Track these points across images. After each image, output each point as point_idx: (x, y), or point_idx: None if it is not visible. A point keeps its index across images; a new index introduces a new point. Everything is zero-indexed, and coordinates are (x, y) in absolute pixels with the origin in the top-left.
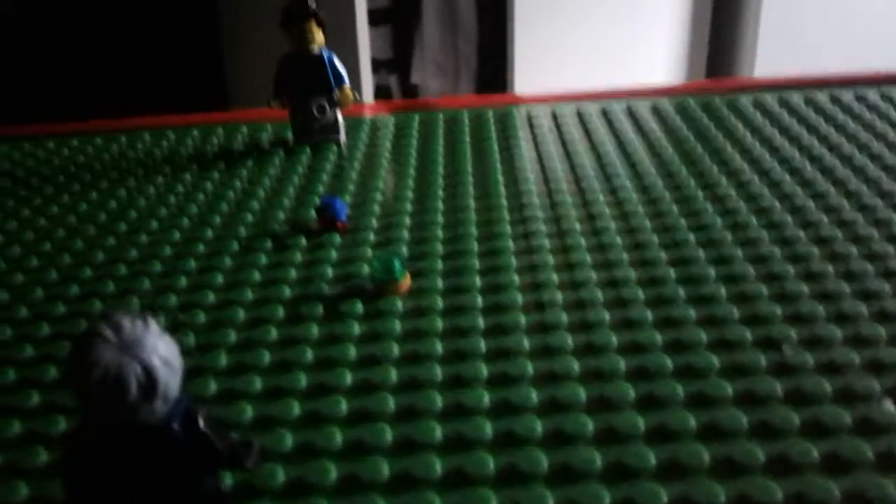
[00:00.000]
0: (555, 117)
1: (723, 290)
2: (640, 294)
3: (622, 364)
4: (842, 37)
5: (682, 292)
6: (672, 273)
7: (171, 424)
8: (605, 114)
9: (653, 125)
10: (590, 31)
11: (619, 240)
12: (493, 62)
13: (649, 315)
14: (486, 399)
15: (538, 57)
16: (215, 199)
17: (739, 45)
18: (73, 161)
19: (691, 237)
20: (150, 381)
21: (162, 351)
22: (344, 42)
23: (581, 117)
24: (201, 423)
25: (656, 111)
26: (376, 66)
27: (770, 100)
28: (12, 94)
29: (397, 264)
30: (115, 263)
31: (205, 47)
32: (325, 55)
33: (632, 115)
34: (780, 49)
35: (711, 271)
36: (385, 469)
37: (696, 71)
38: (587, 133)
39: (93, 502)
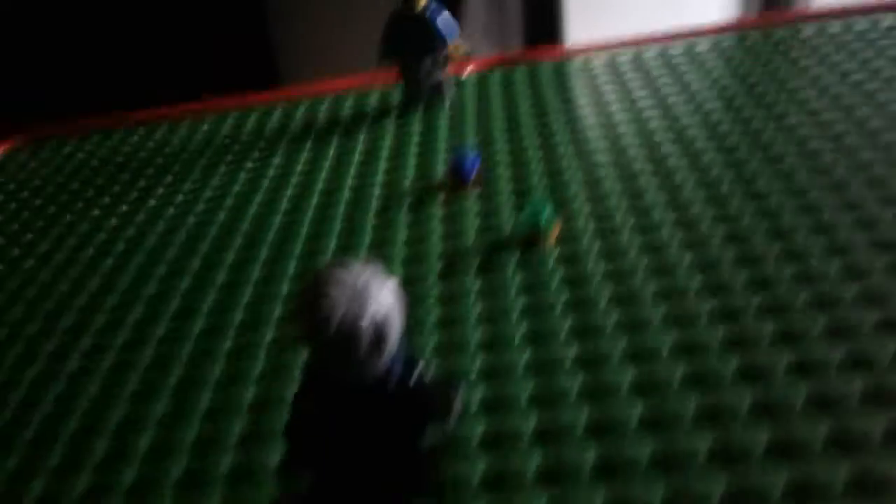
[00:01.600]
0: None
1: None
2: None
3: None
4: None
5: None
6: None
7: (392, 378)
8: (664, 57)
9: (716, 64)
10: None
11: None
12: (541, 18)
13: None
14: (668, 340)
15: (589, 8)
16: (344, 165)
17: None
18: (214, 140)
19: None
20: (379, 332)
21: (387, 301)
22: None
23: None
24: (419, 375)
25: (718, 48)
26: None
27: (836, 28)
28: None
29: (546, 211)
30: (261, 230)
31: (251, 25)
32: (430, 14)
33: (692, 56)
34: None
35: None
36: (581, 416)
37: (752, 5)
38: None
39: (315, 459)
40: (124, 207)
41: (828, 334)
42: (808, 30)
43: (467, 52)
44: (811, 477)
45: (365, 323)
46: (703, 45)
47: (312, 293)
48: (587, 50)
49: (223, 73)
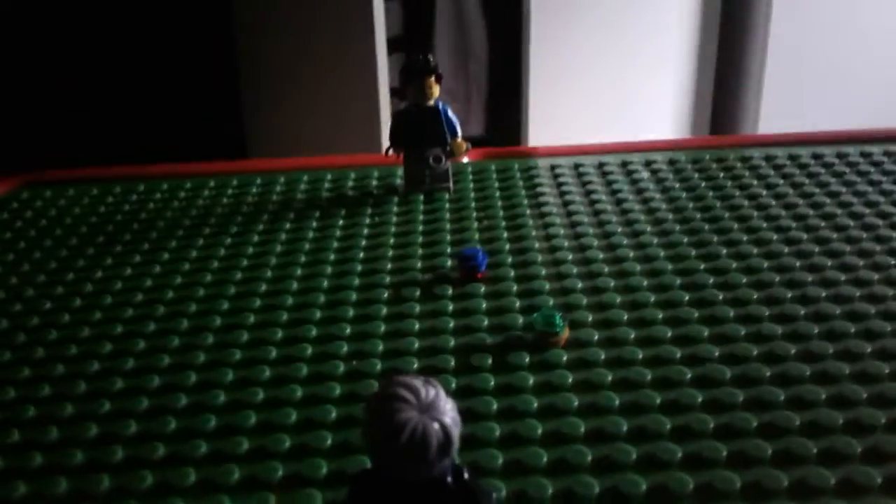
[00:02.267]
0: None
1: (731, 313)
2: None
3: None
4: (844, 96)
5: (706, 332)
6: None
7: (447, 478)
8: (625, 165)
9: (670, 177)
10: (600, 70)
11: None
12: (504, 88)
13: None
14: (678, 454)
15: (551, 83)
16: (348, 248)
17: (742, 103)
18: (171, 207)
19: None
20: (447, 440)
21: (451, 411)
22: (364, 69)
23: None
24: (466, 476)
25: (672, 163)
26: (392, 92)
27: (780, 154)
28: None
29: (558, 318)
30: (275, 310)
31: (223, 98)
32: (441, 107)
33: (649, 167)
34: (782, 108)
35: (728, 309)
36: None
37: (699, 129)
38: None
39: None
40: (101, 269)
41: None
42: (753, 154)
43: (468, 148)
44: None
45: (435, 432)
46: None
47: (388, 403)
48: (575, 151)
49: (194, 144)
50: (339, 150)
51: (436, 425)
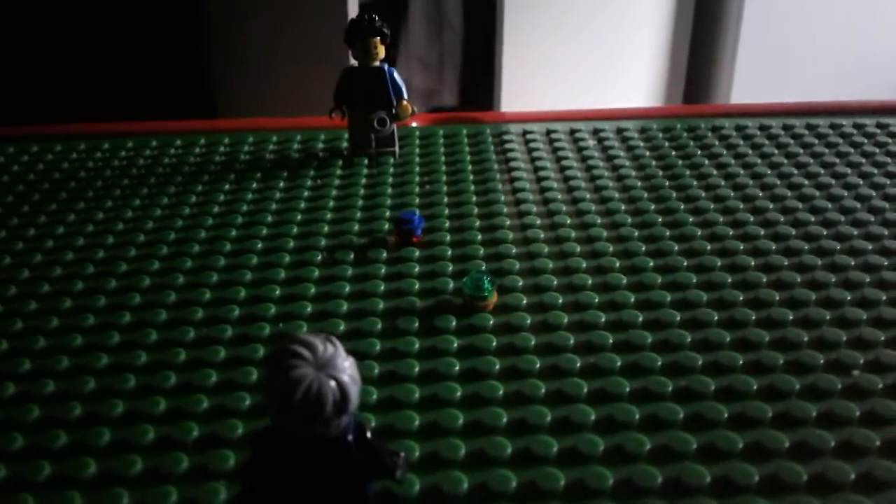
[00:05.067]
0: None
1: (704, 297)
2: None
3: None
4: (817, 68)
5: (668, 297)
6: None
7: (347, 437)
8: (597, 132)
9: (641, 145)
10: (574, 41)
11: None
12: (478, 59)
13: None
14: (592, 416)
15: (525, 54)
16: (286, 210)
17: (716, 74)
18: (130, 163)
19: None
20: (343, 398)
21: (349, 369)
22: (336, 32)
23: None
24: (369, 435)
25: (644, 132)
26: None
27: (751, 124)
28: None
29: (487, 282)
30: (205, 271)
31: (192, 55)
32: (387, 69)
33: (621, 135)
34: (756, 79)
35: (696, 275)
36: (512, 481)
37: (673, 98)
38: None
39: (266, 498)
40: (63, 225)
41: (723, 394)
42: (724, 123)
43: (414, 111)
44: None
45: (331, 389)
46: (630, 125)
47: (284, 360)
48: (525, 118)
49: (160, 100)
50: (309, 112)
51: (332, 382)
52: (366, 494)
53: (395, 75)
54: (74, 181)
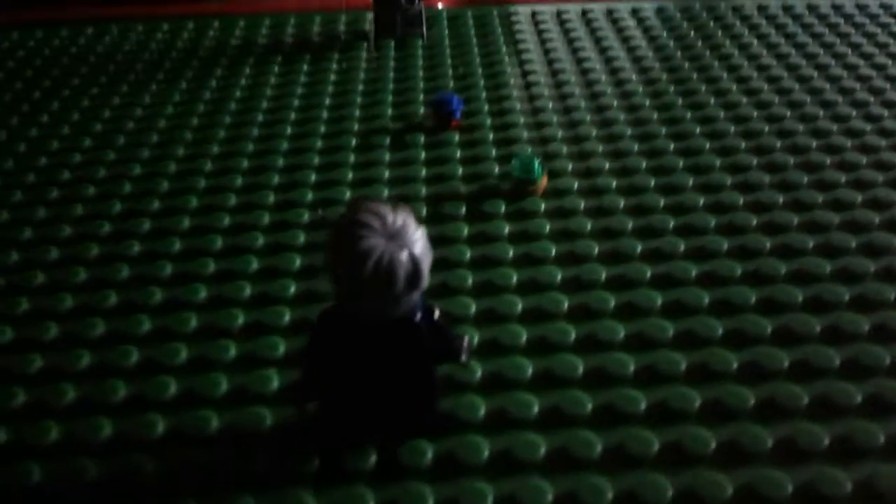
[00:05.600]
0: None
1: (728, 180)
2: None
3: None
4: None
5: (691, 181)
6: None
7: (415, 317)
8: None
9: (636, 34)
10: None
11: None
12: None
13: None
14: (658, 301)
15: None
16: (313, 94)
17: None
18: (123, 50)
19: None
20: (415, 271)
21: (421, 240)
22: None
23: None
24: (437, 315)
25: (640, 18)
26: None
27: (773, 3)
28: None
29: (537, 165)
30: (236, 157)
31: None
32: None
33: (636, 16)
34: None
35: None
36: (579, 366)
37: None
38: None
39: (327, 380)
40: (79, 110)
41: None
42: (745, 2)
43: None
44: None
45: (404, 260)
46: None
47: (353, 230)
48: None
49: None
50: None
51: (404, 254)
52: (433, 377)
53: None
54: (58, 68)
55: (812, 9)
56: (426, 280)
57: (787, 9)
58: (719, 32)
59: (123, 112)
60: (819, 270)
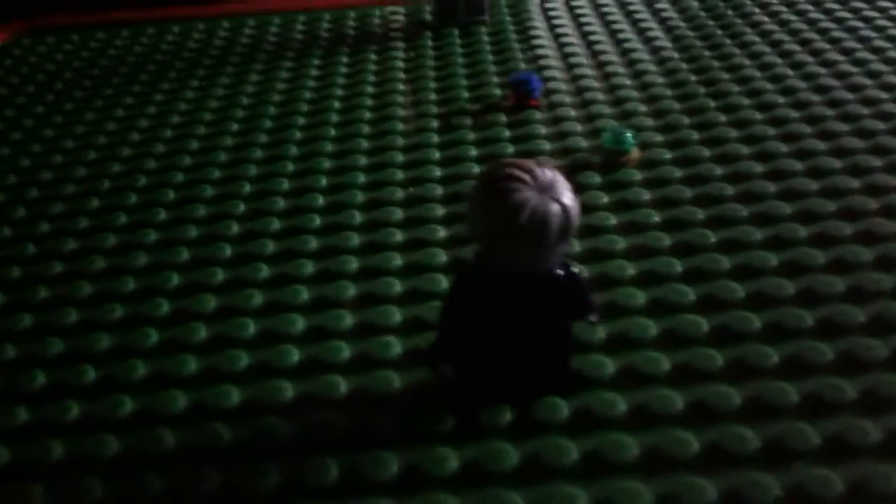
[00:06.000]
0: None
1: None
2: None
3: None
4: None
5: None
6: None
7: (557, 271)
8: None
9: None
10: None
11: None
12: None
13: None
14: (773, 261)
15: None
16: (385, 81)
17: None
18: (160, 50)
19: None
20: (567, 221)
21: (569, 193)
22: None
23: None
24: (576, 270)
25: None
26: None
27: None
28: None
29: (629, 136)
30: (318, 141)
31: None
32: None
33: None
34: None
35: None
36: (703, 325)
37: None
38: None
39: (464, 339)
40: (123, 108)
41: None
42: None
43: None
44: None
45: (556, 211)
46: None
47: (504, 184)
48: None
49: None
50: None
51: (556, 205)
52: (569, 332)
53: None
54: (97, 69)
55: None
56: (574, 232)
57: None
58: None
59: (169, 107)
60: None
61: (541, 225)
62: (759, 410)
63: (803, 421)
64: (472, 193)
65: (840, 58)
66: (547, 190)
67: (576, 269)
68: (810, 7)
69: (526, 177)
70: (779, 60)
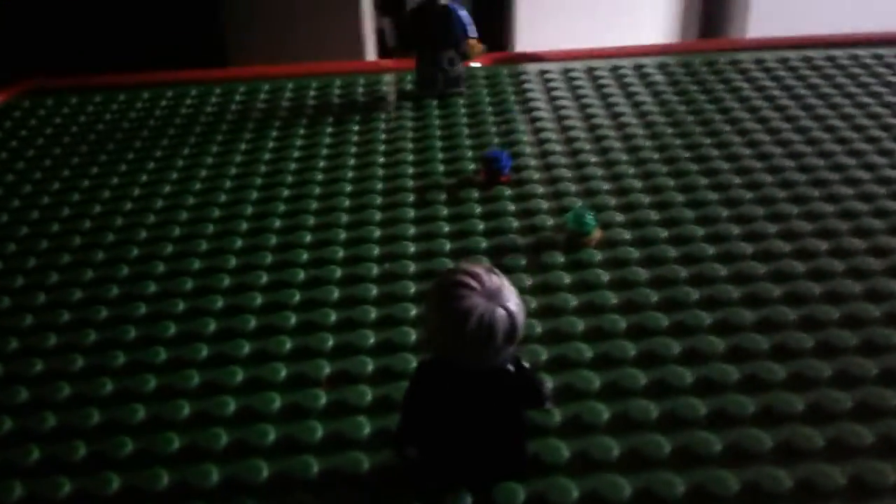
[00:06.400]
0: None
1: (749, 249)
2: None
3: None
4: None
5: (708, 248)
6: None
7: (508, 366)
8: (616, 70)
9: (667, 88)
10: None
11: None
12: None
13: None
14: (721, 347)
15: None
16: (366, 153)
17: (731, 9)
18: (154, 116)
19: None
20: (512, 326)
21: (515, 298)
22: None
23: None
24: (526, 365)
25: (663, 68)
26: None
27: (769, 57)
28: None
29: (590, 217)
30: (300, 214)
31: (204, 4)
32: (453, 7)
33: (640, 72)
34: (772, 13)
35: (731, 227)
36: (652, 411)
37: (689, 34)
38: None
39: (425, 427)
40: (87, 178)
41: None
42: (742, 57)
43: (484, 51)
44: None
45: (502, 317)
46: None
47: (454, 290)
48: (589, 54)
49: (173, 53)
50: (323, 59)
51: (502, 311)
52: (523, 421)
53: (463, 12)
54: (94, 133)
55: (807, 60)
56: (520, 334)
57: (783, 61)
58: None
59: (192, 167)
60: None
61: (488, 329)
62: (702, 498)
63: None
64: (427, 297)
65: (796, 137)
66: (494, 297)
67: (526, 363)
68: (772, 83)
69: (474, 284)
70: (737, 139)
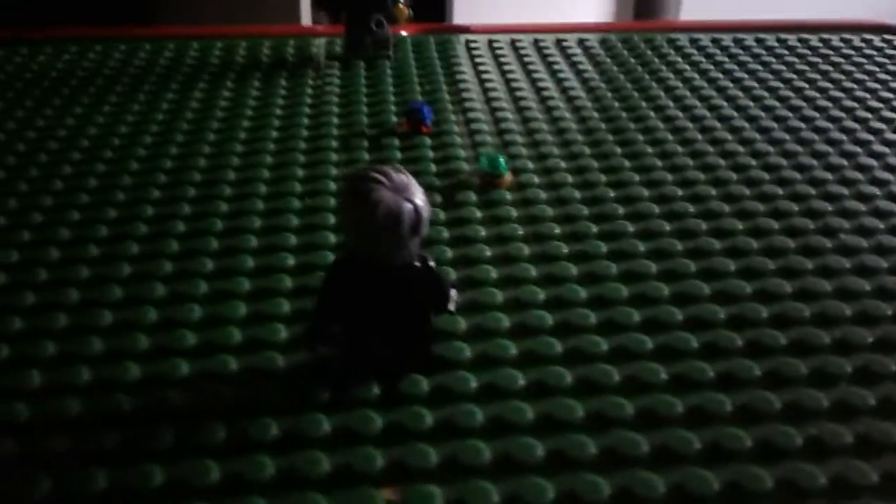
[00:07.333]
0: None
1: (660, 216)
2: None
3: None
4: None
5: (621, 210)
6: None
7: (414, 264)
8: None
9: (583, 60)
10: None
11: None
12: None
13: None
14: (624, 293)
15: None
16: (296, 106)
17: None
18: (81, 67)
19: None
20: (417, 218)
21: (421, 195)
22: None
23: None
24: (433, 264)
25: (586, 47)
26: None
27: (703, 37)
28: None
29: (503, 160)
30: (223, 168)
31: None
32: None
33: (563, 49)
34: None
35: (644, 191)
36: (556, 346)
37: (623, 14)
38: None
39: (337, 319)
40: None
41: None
42: (678, 37)
43: (411, 16)
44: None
45: (408, 209)
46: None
47: (361, 186)
48: (512, 28)
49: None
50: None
51: (408, 204)
52: (428, 318)
53: None
54: (21, 82)
55: (737, 41)
56: (426, 228)
57: (715, 41)
58: (656, 60)
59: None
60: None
61: (394, 219)
62: (683, 498)
63: None
64: (341, 194)
65: (738, 148)
66: (401, 191)
67: (431, 262)
68: (705, 85)
69: (383, 179)
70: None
